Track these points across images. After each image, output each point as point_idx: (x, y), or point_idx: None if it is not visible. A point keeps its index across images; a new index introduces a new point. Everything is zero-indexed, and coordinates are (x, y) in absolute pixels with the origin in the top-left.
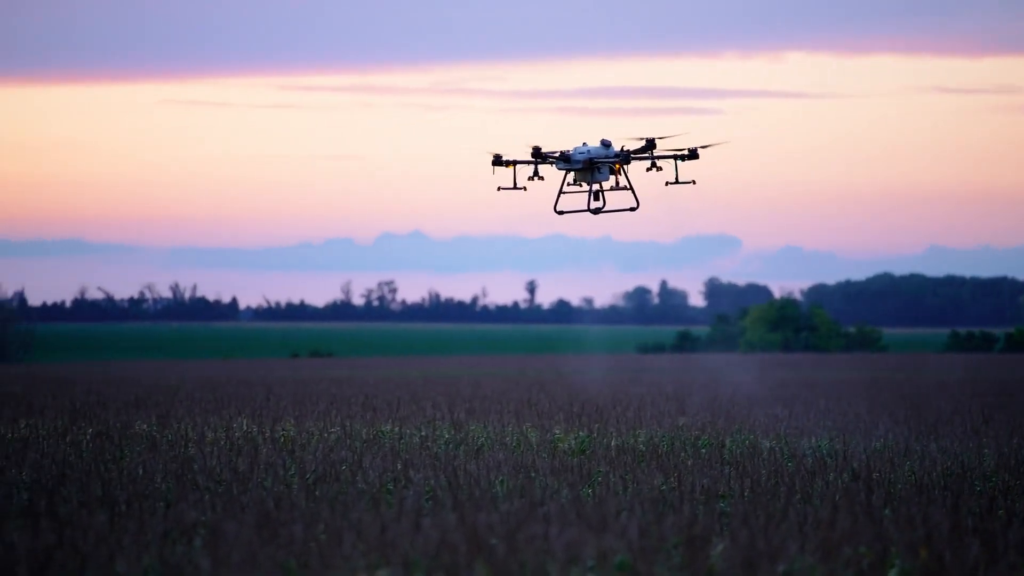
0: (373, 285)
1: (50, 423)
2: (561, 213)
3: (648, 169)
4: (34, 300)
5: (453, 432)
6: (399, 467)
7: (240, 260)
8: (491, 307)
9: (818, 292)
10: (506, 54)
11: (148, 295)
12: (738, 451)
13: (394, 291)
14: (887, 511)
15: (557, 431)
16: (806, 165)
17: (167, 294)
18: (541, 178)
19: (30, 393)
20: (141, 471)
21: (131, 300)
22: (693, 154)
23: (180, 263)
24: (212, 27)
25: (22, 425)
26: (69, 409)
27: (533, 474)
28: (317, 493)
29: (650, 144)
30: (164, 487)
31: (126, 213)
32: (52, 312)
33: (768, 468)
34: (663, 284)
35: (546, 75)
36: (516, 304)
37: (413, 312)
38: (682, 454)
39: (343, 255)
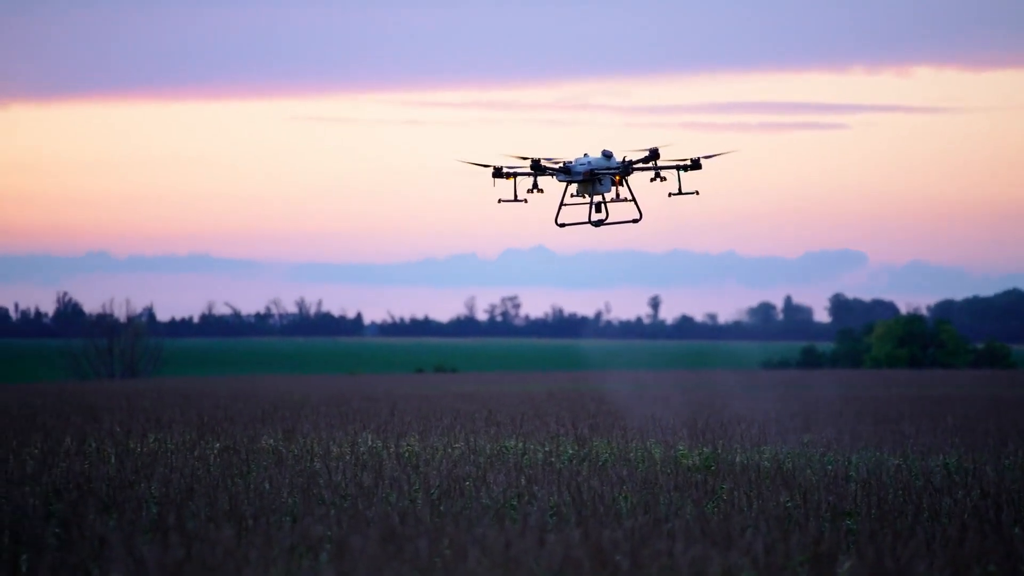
0: (497, 300)
1: (178, 437)
2: (562, 226)
3: (652, 180)
4: (163, 315)
5: (577, 447)
6: (523, 482)
7: (365, 275)
8: (614, 322)
9: (945, 308)
10: (631, 69)
11: (274, 310)
12: (864, 468)
13: (517, 306)
14: (1017, 529)
15: (681, 447)
16: (933, 179)
17: (293, 309)
18: (540, 190)
19: (159, 407)
20: (268, 486)
21: (257, 315)
22: (696, 164)
23: (306, 278)
24: (339, 45)
25: (151, 439)
26: (197, 424)
27: (657, 490)
28: (442, 508)
29: (654, 154)
30: (290, 502)
31: (253, 229)
32: (180, 327)
33: (895, 485)
34: (787, 300)
35: (670, 90)
36: (639, 319)
37: (536, 327)
38: (807, 471)
39: (467, 270)
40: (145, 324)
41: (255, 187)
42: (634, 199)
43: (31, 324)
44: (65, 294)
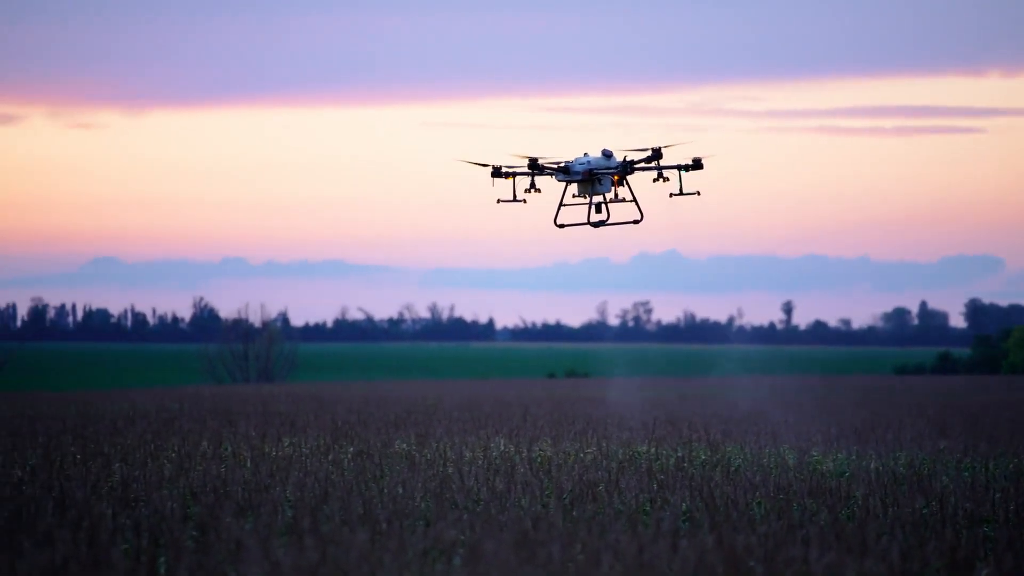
0: (628, 305)
1: (313, 442)
2: (562, 227)
3: (655, 180)
4: (297, 320)
5: (709, 453)
6: (655, 488)
7: (497, 280)
8: (747, 328)
9: None
10: (763, 74)
11: (407, 315)
12: (1002, 475)
13: (649, 311)
14: None
15: (815, 452)
16: None
17: (425, 314)
18: (538, 190)
19: (293, 412)
20: (401, 490)
21: (390, 320)
22: (697, 164)
23: (439, 284)
24: (472, 51)
25: (286, 444)
26: (331, 428)
27: (791, 496)
28: (574, 513)
29: (656, 154)
30: (423, 506)
31: (387, 234)
32: (314, 332)
33: None
34: (923, 305)
35: (803, 95)
36: (772, 325)
37: (668, 332)
38: (943, 477)
39: (599, 275)
40: (280, 329)
41: (388, 193)
42: (635, 200)
43: (168, 329)
44: (201, 299)
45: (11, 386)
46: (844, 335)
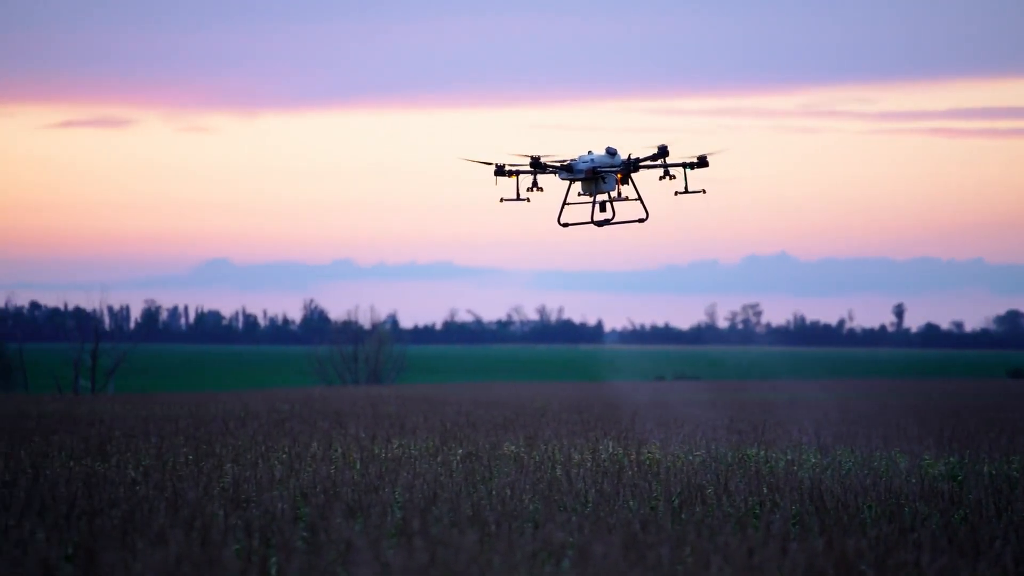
0: (738, 308)
1: (422, 443)
2: (565, 226)
3: (661, 178)
4: (406, 322)
5: (819, 456)
6: (765, 491)
7: (606, 283)
8: (857, 330)
9: None
10: (876, 75)
11: (515, 317)
12: None
13: (759, 314)
14: None
15: (926, 456)
16: None
17: (534, 317)
18: (540, 189)
19: (403, 413)
20: (509, 492)
21: (499, 323)
22: (703, 162)
23: (547, 286)
24: (582, 54)
25: (395, 445)
26: (440, 430)
27: (902, 499)
28: (683, 516)
29: (662, 151)
30: (532, 508)
31: (496, 237)
32: (423, 334)
33: None
34: None
35: (917, 96)
36: (883, 327)
37: (778, 335)
38: None
39: (708, 277)
40: (389, 331)
41: (498, 196)
42: (640, 198)
43: (279, 331)
44: (312, 301)
45: (124, 387)
46: (956, 338)
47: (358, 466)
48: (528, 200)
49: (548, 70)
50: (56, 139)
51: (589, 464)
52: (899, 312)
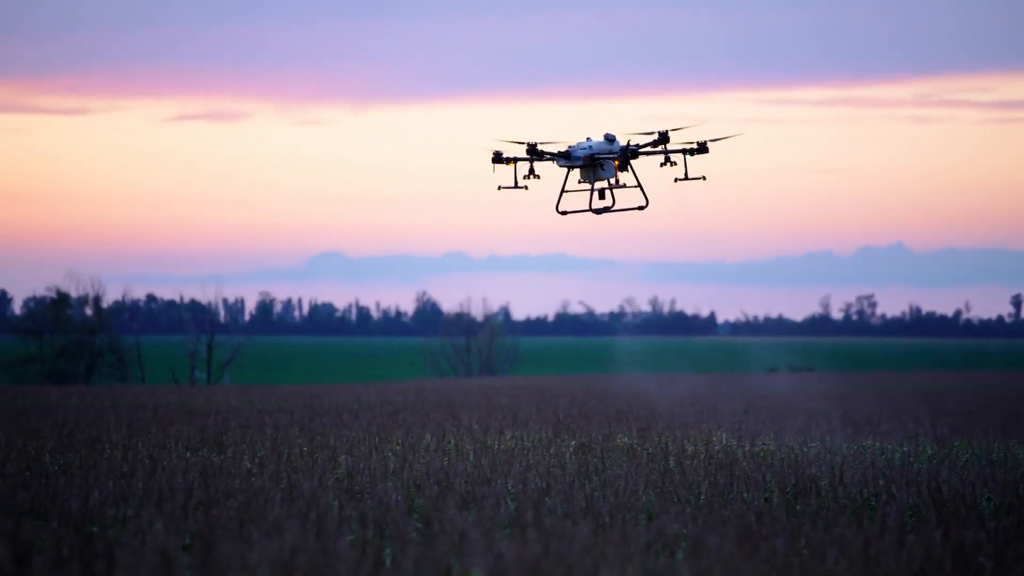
0: (852, 299)
1: (535, 435)
2: (564, 213)
3: (662, 165)
4: (518, 314)
5: (936, 447)
6: (880, 483)
7: (719, 274)
8: (974, 321)
9: None
10: (994, 64)
11: (627, 309)
12: None
13: (874, 305)
14: None
15: None
16: None
17: (646, 308)
18: (537, 176)
19: (515, 405)
20: (622, 484)
21: (611, 314)
22: (703, 148)
23: (659, 277)
24: (694, 44)
25: (508, 437)
26: (553, 421)
27: (1021, 491)
28: (797, 507)
29: (663, 138)
30: (645, 499)
31: (607, 228)
32: (535, 326)
33: None
34: None
35: None
36: (1001, 318)
37: (893, 326)
38: None
39: (822, 268)
40: (501, 323)
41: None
42: (639, 185)
43: (392, 323)
44: (424, 293)
45: (240, 379)
46: None
47: (471, 457)
48: (526, 188)
49: (664, 61)
50: (171, 133)
51: (702, 455)
52: (1017, 303)
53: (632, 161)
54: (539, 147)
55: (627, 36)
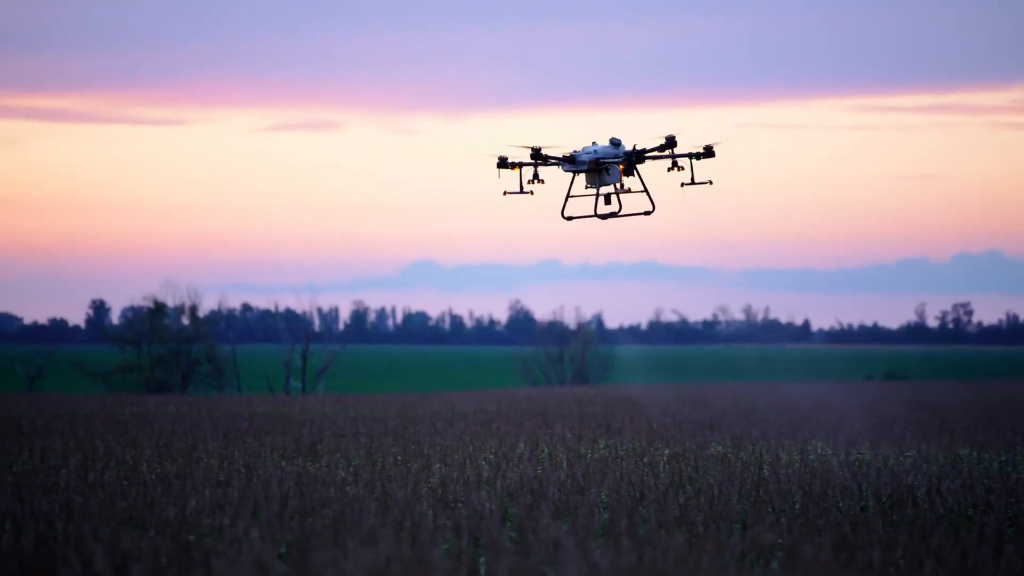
0: (948, 307)
1: (628, 444)
2: (569, 219)
3: (669, 169)
4: (611, 322)
5: None
6: (979, 492)
7: (813, 282)
8: None
9: None
10: None
11: (721, 317)
12: None
13: (970, 313)
14: None
15: None
16: None
17: (740, 316)
18: (541, 181)
19: (608, 414)
20: (716, 492)
21: (705, 322)
22: (709, 152)
23: (753, 285)
24: (789, 51)
25: (601, 445)
26: (646, 430)
27: None
28: (894, 517)
29: (670, 142)
30: (740, 508)
31: (700, 235)
32: (628, 334)
33: None
34: None
35: None
36: None
37: (989, 334)
38: None
39: (917, 276)
40: (594, 331)
41: (703, 194)
42: (646, 190)
43: (485, 331)
44: (517, 302)
45: (334, 388)
46: None
47: (564, 466)
48: (532, 193)
49: (762, 68)
50: (267, 142)
51: (797, 465)
52: None
53: (638, 165)
54: (543, 151)
55: (720, 41)
